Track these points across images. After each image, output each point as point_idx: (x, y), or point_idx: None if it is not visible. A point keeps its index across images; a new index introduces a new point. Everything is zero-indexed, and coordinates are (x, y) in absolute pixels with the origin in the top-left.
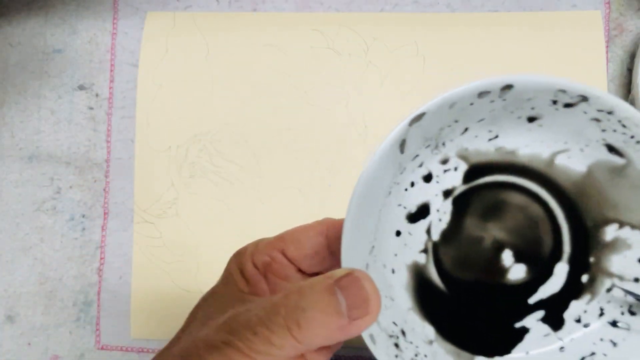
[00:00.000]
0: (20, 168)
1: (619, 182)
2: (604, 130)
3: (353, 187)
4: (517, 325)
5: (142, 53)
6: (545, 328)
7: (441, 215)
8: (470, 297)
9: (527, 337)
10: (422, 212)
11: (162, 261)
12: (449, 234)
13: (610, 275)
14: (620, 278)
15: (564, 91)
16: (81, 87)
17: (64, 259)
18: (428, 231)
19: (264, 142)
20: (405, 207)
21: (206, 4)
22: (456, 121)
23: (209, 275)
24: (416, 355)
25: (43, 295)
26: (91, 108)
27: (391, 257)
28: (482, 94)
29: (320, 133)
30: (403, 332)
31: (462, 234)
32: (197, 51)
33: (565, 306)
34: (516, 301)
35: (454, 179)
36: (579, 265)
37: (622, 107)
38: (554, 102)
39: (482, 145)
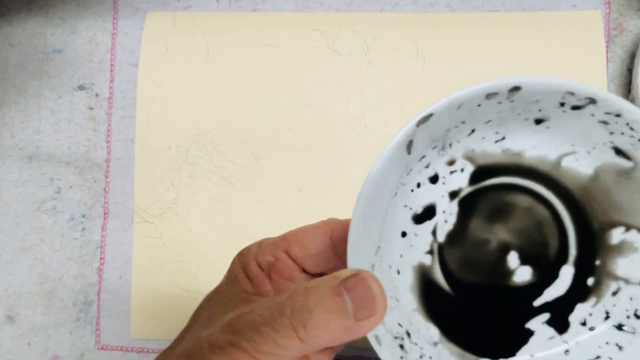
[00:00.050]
0: (20, 168)
1: (626, 185)
2: (611, 133)
3: (358, 188)
4: (522, 327)
5: (142, 53)
6: (551, 331)
7: (447, 217)
8: (475, 299)
9: (532, 340)
10: (428, 213)
11: (162, 261)
12: (454, 236)
13: (616, 278)
14: (626, 281)
15: (572, 93)
16: (81, 87)
17: (64, 259)
18: (434, 232)
19: (264, 142)
20: (411, 208)
21: (206, 4)
22: (463, 122)
23: (209, 275)
24: (421, 356)
25: (43, 295)
26: (91, 108)
27: (397, 258)
28: (489, 96)
29: (320, 133)
30: (408, 334)
31: (468, 235)
32: (197, 51)
33: (570, 309)
34: (521, 303)
35: (460, 181)
36: (584, 268)
37: (630, 109)
38: (562, 104)
39: (489, 146)
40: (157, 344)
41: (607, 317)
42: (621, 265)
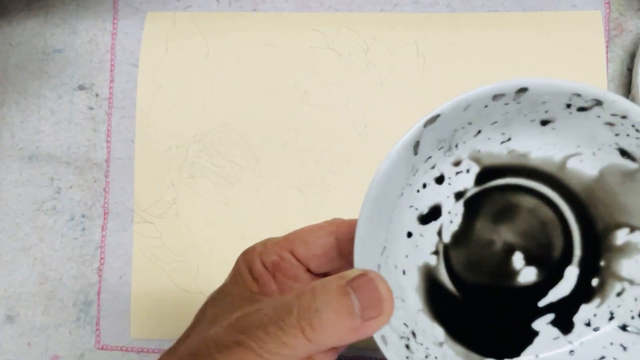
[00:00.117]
0: (20, 168)
1: (631, 186)
2: (617, 135)
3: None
4: (527, 328)
5: (142, 53)
6: (555, 331)
7: (452, 217)
8: (480, 299)
9: (537, 340)
10: (433, 213)
11: (162, 261)
12: (460, 236)
13: (621, 279)
14: (631, 282)
15: (578, 95)
16: (81, 87)
17: (64, 259)
18: (439, 233)
19: (264, 142)
20: (416, 209)
21: (206, 4)
22: (470, 123)
23: (209, 275)
24: (426, 356)
25: (43, 295)
26: (91, 108)
27: (402, 258)
28: (496, 97)
29: (320, 133)
30: (413, 334)
31: (473, 236)
32: (197, 51)
33: (575, 309)
34: (526, 304)
35: (466, 181)
36: (589, 268)
37: (637, 111)
38: (568, 106)
39: (495, 147)
40: (157, 344)
41: (611, 318)
42: (626, 266)
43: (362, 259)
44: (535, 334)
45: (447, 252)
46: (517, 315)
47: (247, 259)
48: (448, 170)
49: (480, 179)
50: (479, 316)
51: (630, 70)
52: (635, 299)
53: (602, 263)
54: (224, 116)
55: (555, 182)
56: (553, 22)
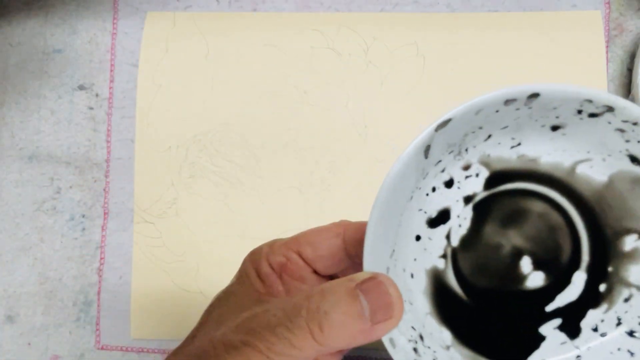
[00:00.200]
0: (20, 168)
1: None
2: (627, 141)
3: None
4: (534, 332)
5: (142, 53)
6: (562, 336)
7: (461, 221)
8: (487, 303)
9: (544, 345)
10: (442, 217)
11: (162, 261)
12: (468, 240)
13: (629, 285)
14: (639, 288)
15: (590, 101)
16: (81, 87)
17: (64, 259)
18: (448, 237)
19: (264, 142)
20: (425, 212)
21: (206, 4)
22: (480, 128)
23: (209, 275)
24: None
25: (43, 295)
26: (91, 108)
27: (411, 261)
28: (508, 102)
29: (320, 133)
30: (421, 337)
31: (482, 240)
32: (197, 51)
33: (582, 315)
34: (533, 308)
35: (475, 185)
36: (597, 274)
37: None
38: (579, 112)
39: (505, 152)
40: (157, 344)
41: (619, 324)
42: (633, 272)
43: (372, 262)
44: (542, 338)
45: (455, 255)
46: (525, 319)
47: (253, 259)
48: (457, 174)
49: (490, 183)
50: (486, 320)
51: (630, 70)
52: None
53: (610, 269)
54: (224, 116)
55: (564, 188)
56: (553, 22)
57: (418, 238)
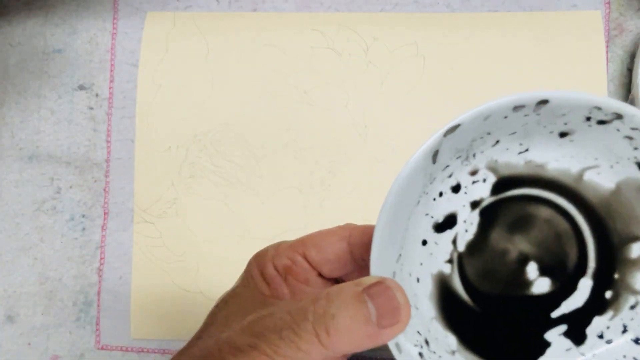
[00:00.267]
0: (20, 168)
1: None
2: (635, 149)
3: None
4: (539, 338)
5: (142, 53)
6: (568, 342)
7: (468, 226)
8: (493, 309)
9: (549, 351)
10: (449, 222)
11: (162, 261)
12: (474, 245)
13: (635, 292)
14: None
15: (599, 108)
16: (81, 87)
17: (64, 259)
18: (454, 241)
19: (264, 142)
20: (432, 217)
21: (206, 4)
22: (488, 133)
23: (209, 275)
24: None
25: (43, 295)
26: (91, 108)
27: (417, 265)
28: (517, 108)
29: (320, 133)
30: (427, 342)
31: (488, 245)
32: (197, 51)
33: (588, 321)
34: (539, 314)
35: (482, 191)
36: (603, 281)
37: None
38: (588, 119)
39: (512, 158)
40: (157, 344)
41: (624, 331)
42: None
43: (379, 266)
44: (547, 344)
45: (461, 260)
46: (530, 325)
47: (259, 262)
48: (465, 180)
49: (497, 188)
50: (491, 325)
51: (630, 70)
52: None
53: (616, 275)
54: (224, 116)
55: (571, 194)
56: (553, 22)
57: (424, 242)
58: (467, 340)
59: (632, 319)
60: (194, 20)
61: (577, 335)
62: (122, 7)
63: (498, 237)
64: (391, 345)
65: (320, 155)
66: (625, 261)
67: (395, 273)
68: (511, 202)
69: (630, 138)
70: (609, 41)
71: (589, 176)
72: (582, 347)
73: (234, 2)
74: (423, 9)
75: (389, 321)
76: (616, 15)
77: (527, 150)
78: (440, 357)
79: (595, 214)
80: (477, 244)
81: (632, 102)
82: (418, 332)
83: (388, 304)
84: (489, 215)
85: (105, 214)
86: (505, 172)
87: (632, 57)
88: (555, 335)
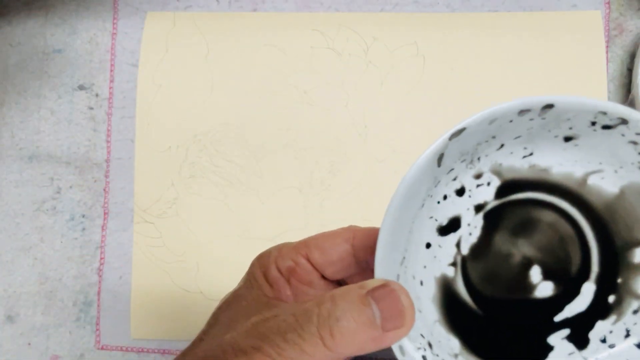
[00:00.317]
0: (20, 168)
1: None
2: None
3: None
4: (542, 342)
5: (142, 53)
6: (570, 346)
7: (472, 230)
8: (496, 312)
9: (552, 355)
10: (452, 225)
11: (162, 261)
12: (478, 249)
13: (638, 297)
14: None
15: (604, 113)
16: (81, 87)
17: (64, 259)
18: (458, 245)
19: (264, 142)
20: (436, 220)
21: (206, 4)
22: (493, 137)
23: (209, 275)
24: None
25: (43, 295)
26: (91, 108)
27: (420, 268)
28: (522, 112)
29: (320, 133)
30: (430, 345)
31: (492, 249)
32: (197, 51)
33: (591, 326)
34: (542, 318)
35: (486, 194)
36: (606, 285)
37: None
38: (593, 123)
39: (517, 161)
40: (157, 344)
41: (627, 335)
42: None
43: (383, 269)
44: (550, 348)
45: (464, 264)
46: (533, 329)
47: (262, 263)
48: (469, 183)
49: (501, 192)
50: (494, 329)
51: (630, 70)
52: None
53: (619, 280)
54: (224, 116)
55: (575, 198)
56: (553, 22)
57: (428, 245)
58: (470, 343)
59: (635, 323)
60: (194, 20)
61: (579, 340)
62: (122, 7)
63: (502, 241)
64: (395, 348)
65: (320, 155)
66: (628, 266)
67: (399, 276)
68: (515, 206)
69: (634, 143)
70: (609, 41)
71: (593, 180)
72: (585, 351)
73: (234, 2)
74: (423, 9)
75: (394, 324)
76: (616, 15)
77: (531, 154)
78: None
79: (598, 218)
80: (481, 248)
81: (632, 102)
82: (421, 335)
83: (393, 307)
84: (493, 219)
85: (105, 214)
86: (510, 175)
87: (632, 57)
88: (558, 339)
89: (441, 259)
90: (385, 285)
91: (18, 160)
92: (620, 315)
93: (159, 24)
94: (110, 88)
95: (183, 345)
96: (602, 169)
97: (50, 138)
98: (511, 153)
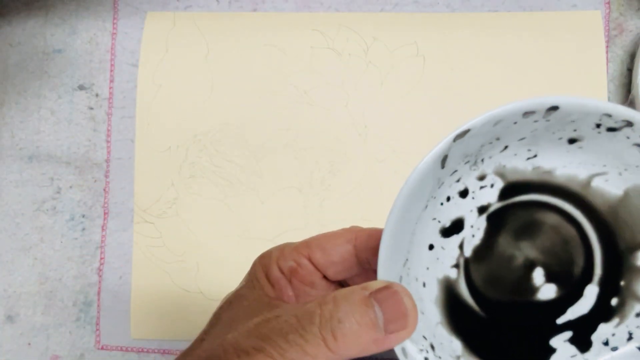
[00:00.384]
0: (20, 168)
1: None
2: None
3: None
4: (545, 344)
5: (142, 53)
6: (573, 349)
7: (475, 231)
8: (498, 314)
9: (554, 357)
10: (456, 227)
11: (162, 261)
12: (481, 251)
13: None
14: None
15: (609, 115)
16: (81, 87)
17: (64, 259)
18: (461, 246)
19: (264, 142)
20: (439, 221)
21: (206, 4)
22: (497, 139)
23: (209, 275)
24: None
25: (43, 295)
26: (91, 108)
27: (423, 270)
28: (527, 114)
29: (320, 133)
30: (432, 346)
31: (495, 251)
32: (197, 51)
33: (593, 328)
34: (544, 321)
35: (490, 196)
36: (609, 288)
37: None
38: (598, 126)
39: (520, 163)
40: (157, 344)
41: (630, 338)
42: None
43: (386, 270)
44: (552, 350)
45: (467, 265)
46: (535, 331)
47: (264, 263)
48: (472, 185)
49: (504, 194)
50: (497, 331)
51: (630, 70)
52: None
53: (622, 283)
54: (224, 116)
55: (579, 200)
56: (553, 22)
57: (431, 247)
58: (472, 345)
59: (638, 326)
60: (194, 20)
61: (582, 342)
62: (122, 7)
63: (505, 243)
64: (397, 350)
65: (320, 155)
66: (631, 268)
67: (402, 277)
68: (518, 208)
69: (639, 145)
70: (609, 41)
71: (597, 183)
72: (587, 354)
73: (234, 2)
74: (423, 9)
75: (396, 326)
76: (616, 15)
77: (535, 156)
78: None
79: (602, 220)
80: (484, 249)
81: (632, 102)
82: (424, 337)
83: (395, 309)
84: (496, 221)
85: (105, 214)
86: (513, 177)
87: (632, 57)
88: (560, 342)
89: (444, 261)
90: (388, 286)
91: (18, 160)
92: (623, 318)
93: (159, 24)
94: (110, 88)
95: (183, 345)
96: (606, 171)
97: (50, 138)
98: (515, 155)
